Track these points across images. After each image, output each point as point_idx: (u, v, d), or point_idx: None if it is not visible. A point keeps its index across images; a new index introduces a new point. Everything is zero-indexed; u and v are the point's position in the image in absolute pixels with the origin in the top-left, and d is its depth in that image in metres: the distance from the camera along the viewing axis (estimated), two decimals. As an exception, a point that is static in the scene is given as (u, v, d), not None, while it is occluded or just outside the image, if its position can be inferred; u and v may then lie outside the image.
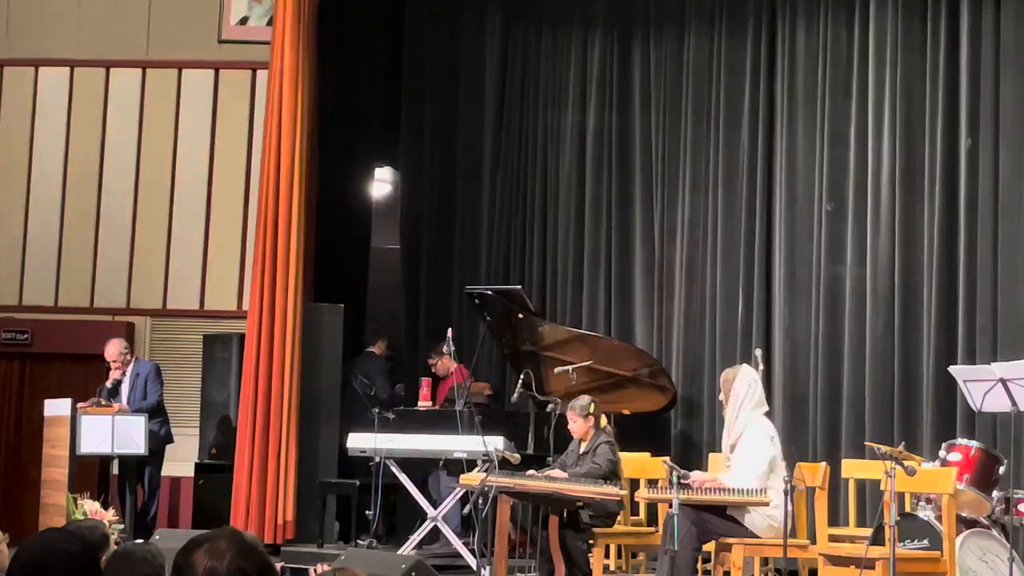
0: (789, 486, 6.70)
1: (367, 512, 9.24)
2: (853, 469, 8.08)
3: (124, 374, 9.78)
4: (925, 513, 6.92)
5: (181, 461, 10.26)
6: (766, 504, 7.02)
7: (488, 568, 7.65)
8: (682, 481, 6.88)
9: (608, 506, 7.75)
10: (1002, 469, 7.22)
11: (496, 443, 8.03)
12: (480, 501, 7.35)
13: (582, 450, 7.96)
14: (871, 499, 8.47)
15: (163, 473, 9.91)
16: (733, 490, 7.08)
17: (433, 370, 10.11)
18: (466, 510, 8.89)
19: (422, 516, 8.83)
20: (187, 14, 11.19)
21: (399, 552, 8.21)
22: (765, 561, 7.81)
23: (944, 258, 9.21)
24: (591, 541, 7.74)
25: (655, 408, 9.64)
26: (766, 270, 9.91)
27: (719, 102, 10.19)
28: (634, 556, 8.58)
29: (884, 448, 6.44)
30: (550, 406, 8.86)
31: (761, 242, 9.92)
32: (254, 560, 2.92)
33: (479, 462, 7.96)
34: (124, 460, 9.52)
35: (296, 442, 9.34)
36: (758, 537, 7.11)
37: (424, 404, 9.57)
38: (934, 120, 9.40)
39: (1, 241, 11.21)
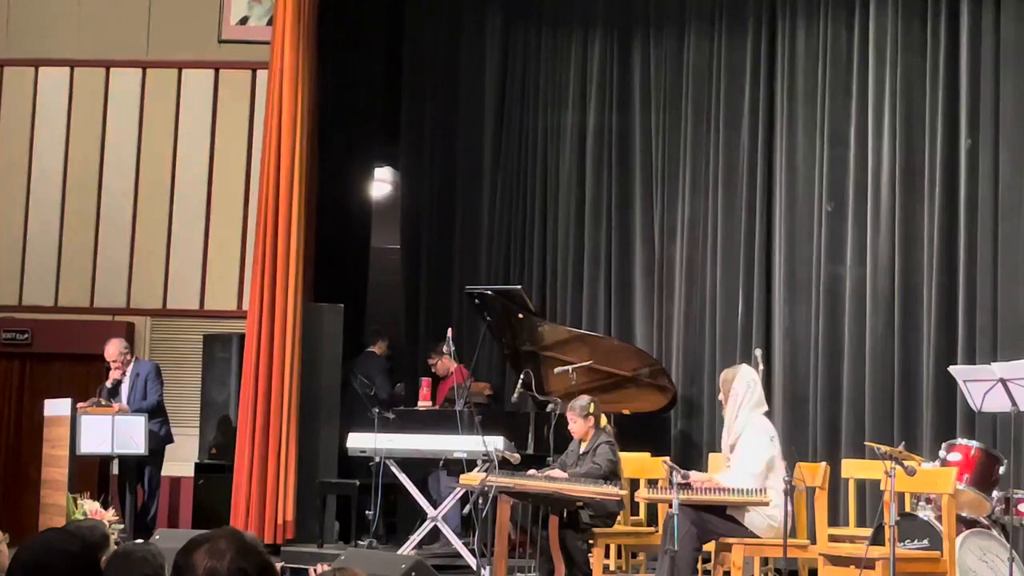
0: (789, 486, 6.70)
1: (367, 512, 9.24)
2: (853, 469, 8.08)
3: (124, 374, 9.78)
4: (925, 513, 6.92)
5: (181, 461, 10.26)
6: (766, 504, 7.02)
7: (488, 568, 7.65)
8: (682, 481, 6.89)
9: (608, 506, 7.75)
10: (1002, 469, 7.22)
11: (496, 443, 8.03)
12: (480, 501, 7.35)
13: (582, 450, 7.96)
14: (871, 499, 8.47)
15: (163, 473, 9.91)
16: (733, 490, 7.08)
17: (433, 370, 10.11)
18: (466, 510, 8.89)
19: (422, 516, 8.83)
20: (187, 14, 11.19)
21: (399, 552, 8.21)
22: (765, 561, 7.81)
23: (944, 258, 9.21)
24: (591, 541, 7.74)
25: (655, 408, 9.64)
26: (766, 270, 9.92)
27: (719, 102, 10.19)
28: (634, 556, 8.58)
29: (884, 448, 6.44)
30: (550, 406, 8.86)
31: (761, 242, 9.92)
32: (254, 560, 2.92)
33: (479, 462, 7.96)
34: (124, 460, 9.52)
35: (296, 442, 9.34)
36: (758, 537, 7.11)
37: (424, 404, 9.57)
38: (934, 120, 9.40)
39: (1, 241, 11.21)
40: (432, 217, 11.15)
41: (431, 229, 11.14)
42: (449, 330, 9.59)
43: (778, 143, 9.95)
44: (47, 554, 3.37)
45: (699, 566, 7.87)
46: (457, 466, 8.47)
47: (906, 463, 6.39)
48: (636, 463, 8.30)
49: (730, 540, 7.09)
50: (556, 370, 9.34)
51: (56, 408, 9.37)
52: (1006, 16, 9.23)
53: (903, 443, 7.63)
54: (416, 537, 8.73)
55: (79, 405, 9.29)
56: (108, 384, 9.77)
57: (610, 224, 10.51)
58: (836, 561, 6.69)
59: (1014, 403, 6.88)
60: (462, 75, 11.13)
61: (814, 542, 7.33)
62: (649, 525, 8.35)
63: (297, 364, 9.40)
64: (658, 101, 10.46)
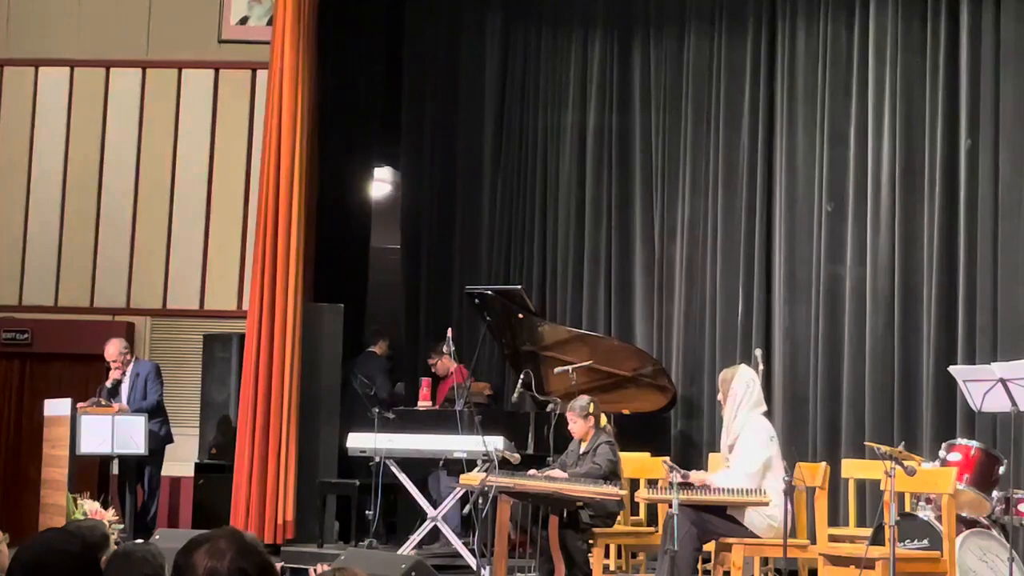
0: (789, 486, 6.70)
1: (367, 512, 9.24)
2: (853, 469, 8.08)
3: (124, 374, 9.78)
4: (925, 513, 6.92)
5: (181, 461, 10.26)
6: (766, 504, 7.02)
7: (488, 568, 7.65)
8: (682, 480, 6.89)
9: (608, 506, 7.75)
10: (1002, 469, 7.21)
11: (496, 443, 8.02)
12: (480, 501, 7.35)
13: (582, 450, 7.96)
14: (871, 499, 8.47)
15: (163, 473, 9.91)
16: (733, 490, 7.08)
17: (433, 370, 10.11)
18: (466, 510, 8.88)
19: (422, 516, 8.83)
20: (187, 14, 11.19)
21: (399, 552, 8.21)
22: (765, 561, 7.81)
23: (944, 258, 9.21)
24: (591, 541, 7.74)
25: (655, 408, 9.64)
26: (766, 270, 9.91)
27: (719, 102, 10.19)
28: (634, 556, 8.58)
29: (884, 448, 6.44)
30: (550, 406, 8.86)
31: (761, 242, 9.92)
32: (254, 560, 2.92)
33: (479, 462, 7.96)
34: (124, 460, 9.51)
35: (296, 442, 9.34)
36: (758, 537, 7.11)
37: (424, 404, 9.57)
38: (934, 120, 9.40)
39: (1, 241, 11.21)
40: (432, 217, 11.15)
41: (431, 229, 11.14)
42: (449, 330, 9.59)
43: (778, 143, 9.95)
44: (47, 554, 3.37)
45: (699, 566, 7.87)
46: (457, 466, 8.47)
47: (906, 463, 6.39)
48: (636, 463, 8.30)
49: (730, 540, 7.10)
50: (556, 370, 9.34)
51: (56, 408, 9.38)
52: (1006, 16, 9.23)
53: (903, 443, 7.64)
54: (416, 537, 8.73)
55: (79, 405, 9.30)
56: (108, 384, 9.77)
57: (610, 224, 10.51)
58: (836, 561, 6.69)
59: (1014, 403, 6.88)
60: (462, 75, 11.12)
61: (814, 542, 7.33)
62: (649, 525, 8.35)
63: (297, 364, 9.40)
64: (658, 101, 10.46)
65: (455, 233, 11.01)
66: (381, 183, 12.22)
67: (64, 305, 11.12)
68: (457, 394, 9.29)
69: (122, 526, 8.69)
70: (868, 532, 7.06)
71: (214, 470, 10.04)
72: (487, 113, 10.99)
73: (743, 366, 7.68)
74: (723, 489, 7.10)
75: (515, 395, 8.88)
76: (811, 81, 9.87)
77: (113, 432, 9.20)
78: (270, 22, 10.21)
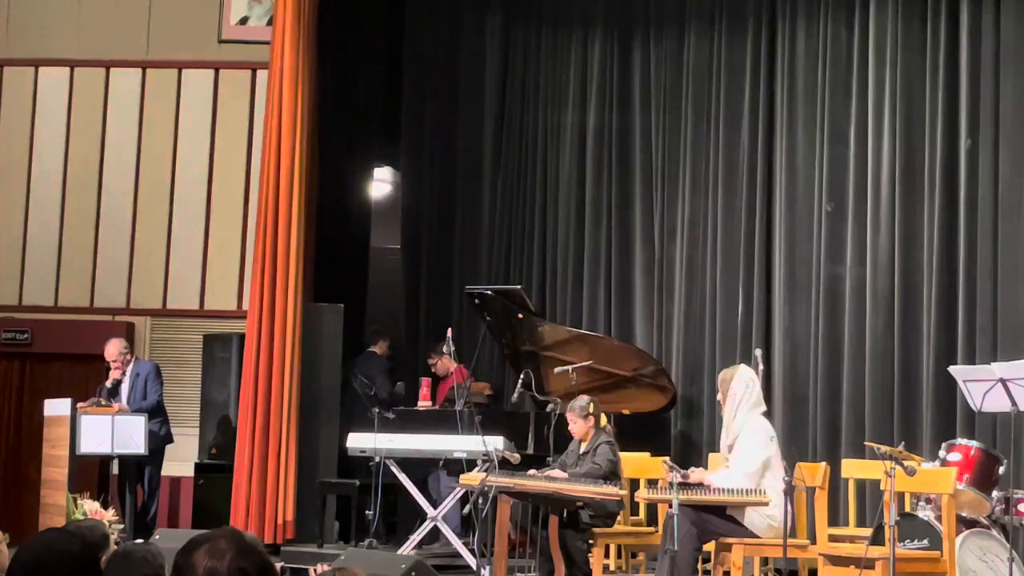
0: (789, 486, 6.70)
1: (367, 512, 9.24)
2: (853, 469, 8.08)
3: (124, 374, 9.79)
4: (925, 513, 6.92)
5: (181, 461, 10.26)
6: (766, 504, 7.02)
7: (488, 568, 7.65)
8: (682, 480, 6.89)
9: (608, 506, 7.75)
10: (1002, 469, 7.21)
11: (496, 443, 8.02)
12: (480, 501, 7.35)
13: (582, 450, 7.96)
14: (871, 499, 8.47)
15: (163, 473, 9.91)
16: (733, 490, 7.08)
17: (433, 370, 10.11)
18: (466, 510, 8.89)
19: (422, 516, 8.83)
20: (187, 14, 11.19)
21: (399, 552, 8.21)
22: (765, 561, 7.81)
23: (944, 258, 9.21)
24: (591, 541, 7.74)
25: (655, 408, 9.64)
26: (766, 270, 9.91)
27: (719, 102, 10.19)
28: (634, 556, 8.58)
29: (884, 448, 6.44)
30: (550, 406, 8.86)
31: (761, 242, 9.92)
32: (254, 560, 2.92)
33: (479, 462, 7.96)
34: (124, 460, 9.51)
35: (296, 442, 9.34)
36: (758, 537, 7.11)
37: (424, 404, 9.57)
38: (934, 120, 9.39)
39: (1, 241, 11.21)
40: (432, 217, 11.15)
41: (431, 229, 11.14)
42: (449, 330, 9.59)
43: (778, 143, 9.95)
44: (47, 554, 3.37)
45: (699, 566, 7.87)
46: (457, 466, 8.47)
47: (906, 463, 6.39)
48: (636, 463, 8.30)
49: (730, 540, 7.10)
50: (556, 370, 9.34)
51: (56, 408, 9.38)
52: (1006, 16, 9.23)
53: (903, 443, 7.63)
54: (416, 537, 8.73)
55: (79, 405, 9.30)
56: (108, 384, 9.77)
57: (610, 224, 10.51)
58: (836, 561, 6.69)
59: (1014, 403, 6.88)
60: (462, 75, 11.12)
61: (814, 542, 7.33)
62: (649, 525, 8.35)
63: (297, 364, 9.40)
64: (658, 101, 10.46)
65: (455, 233, 11.01)
66: (381, 183, 12.22)
67: (64, 305, 11.13)
68: (457, 394, 9.29)
69: (122, 526, 8.69)
70: (868, 532, 7.06)
71: (214, 470, 10.04)
72: (487, 113, 10.99)
73: (742, 366, 7.68)
74: (723, 489, 7.10)
75: (515, 395, 8.88)
76: (811, 81, 9.87)
77: (113, 432, 9.20)
78: (270, 22, 10.21)
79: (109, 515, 8.31)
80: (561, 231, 10.66)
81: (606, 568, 8.05)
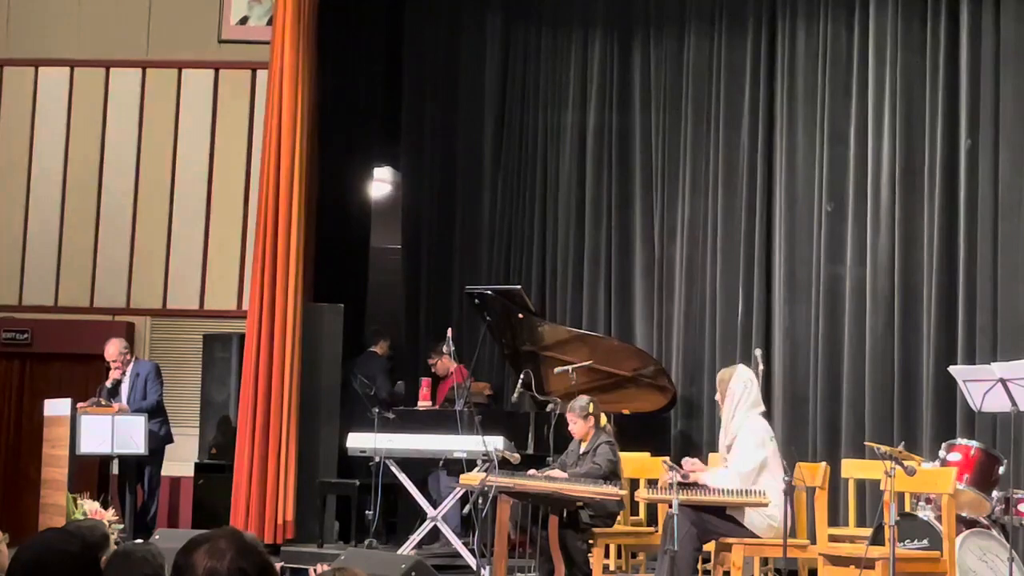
0: (789, 486, 6.70)
1: (367, 512, 9.24)
2: (853, 469, 8.08)
3: (124, 374, 9.79)
4: (925, 513, 6.92)
5: (181, 461, 10.26)
6: (765, 504, 7.02)
7: (488, 568, 7.64)
8: (681, 480, 6.89)
9: (608, 506, 7.75)
10: (1002, 469, 7.21)
11: (496, 443, 8.02)
12: (480, 501, 7.35)
13: (582, 450, 7.96)
14: (871, 499, 8.46)
15: (163, 473, 9.91)
16: (733, 491, 7.07)
17: (433, 370, 10.11)
18: (466, 510, 8.88)
19: (422, 516, 8.83)
20: (187, 14, 11.19)
21: (399, 552, 8.21)
22: (765, 561, 7.81)
23: (944, 258, 9.21)
24: (591, 541, 7.74)
25: (655, 408, 9.64)
26: (766, 270, 9.91)
27: (719, 102, 10.19)
28: (634, 556, 8.58)
29: (884, 448, 6.44)
30: (550, 406, 8.86)
31: (761, 242, 9.92)
32: (254, 560, 2.91)
33: (479, 462, 7.97)
34: (124, 460, 9.51)
35: (296, 442, 9.34)
36: (758, 537, 7.11)
37: (424, 404, 9.57)
38: (934, 120, 9.39)
39: (1, 241, 11.21)
40: (432, 217, 11.15)
41: (431, 229, 11.14)
42: (449, 330, 9.59)
43: (778, 143, 9.95)
44: (47, 554, 3.37)
45: (699, 566, 7.87)
46: (457, 466, 8.47)
47: (906, 463, 6.39)
48: (636, 463, 8.30)
49: (730, 540, 7.09)
50: (556, 370, 9.34)
51: (56, 408, 9.38)
52: (1006, 16, 9.23)
53: (903, 443, 7.64)
54: (416, 537, 8.73)
55: (79, 405, 9.30)
56: (108, 384, 9.77)
57: (610, 224, 10.51)
58: (836, 561, 6.69)
59: (1014, 403, 6.88)
60: (462, 75, 11.13)
61: (814, 542, 7.33)
62: (649, 525, 8.35)
63: (297, 364, 9.40)
64: (658, 101, 10.46)
65: (455, 233, 11.02)
66: (381, 183, 12.22)
67: (64, 305, 11.13)
68: (457, 394, 9.29)
69: (122, 526, 8.69)
70: (868, 532, 7.06)
71: (214, 470, 10.04)
72: (487, 113, 10.99)
73: (741, 366, 7.67)
74: (723, 490, 7.10)
75: (515, 395, 8.88)
76: (811, 81, 9.87)
77: (113, 432, 9.20)
78: (270, 22, 10.21)
79: (109, 515, 8.31)
80: (561, 231, 10.66)
81: (606, 568, 8.05)
